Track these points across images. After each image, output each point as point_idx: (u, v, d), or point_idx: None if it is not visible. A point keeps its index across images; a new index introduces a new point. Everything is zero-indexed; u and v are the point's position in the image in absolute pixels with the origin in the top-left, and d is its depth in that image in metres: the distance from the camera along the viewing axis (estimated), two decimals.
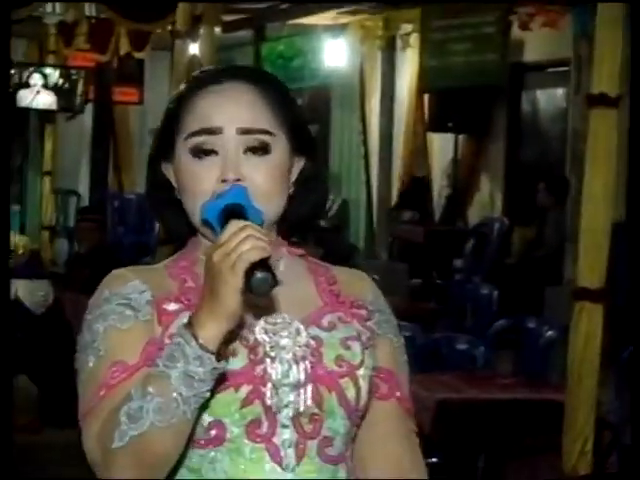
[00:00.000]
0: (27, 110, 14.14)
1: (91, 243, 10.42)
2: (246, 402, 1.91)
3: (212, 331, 1.76)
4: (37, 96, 13.64)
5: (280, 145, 1.98)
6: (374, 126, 13.17)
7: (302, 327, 1.98)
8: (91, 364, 1.92)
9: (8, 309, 1.62)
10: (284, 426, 1.93)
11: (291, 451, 1.93)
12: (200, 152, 1.95)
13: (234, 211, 1.82)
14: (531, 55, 11.53)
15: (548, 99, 11.65)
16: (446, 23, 11.38)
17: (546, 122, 11.57)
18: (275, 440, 1.93)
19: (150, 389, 1.79)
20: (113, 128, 15.13)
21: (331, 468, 1.96)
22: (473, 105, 12.05)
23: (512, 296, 8.90)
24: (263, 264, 1.75)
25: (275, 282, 1.78)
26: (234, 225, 1.77)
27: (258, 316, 1.98)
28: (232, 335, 1.88)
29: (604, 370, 6.39)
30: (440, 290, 10.23)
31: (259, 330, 1.96)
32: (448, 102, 12.15)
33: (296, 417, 1.94)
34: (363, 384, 1.99)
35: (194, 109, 1.98)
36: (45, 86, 13.60)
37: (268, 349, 1.95)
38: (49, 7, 11.82)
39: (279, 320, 1.99)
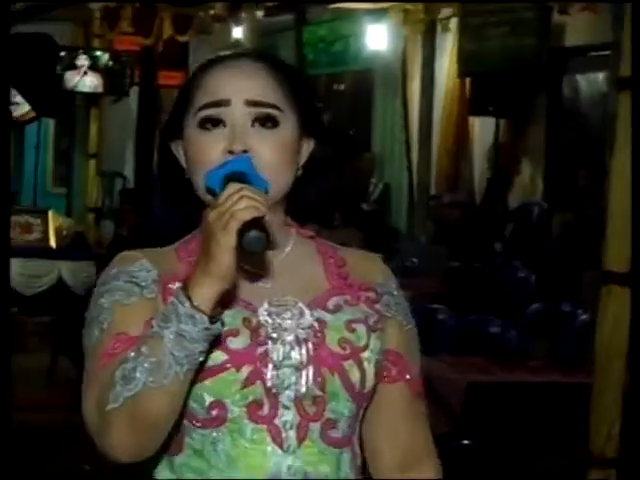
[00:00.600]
0: (73, 93, 14.17)
1: (132, 224, 10.50)
2: (247, 383, 1.90)
3: (205, 291, 1.76)
4: (84, 79, 13.69)
5: (289, 122, 1.98)
6: (414, 110, 13.12)
7: (306, 309, 1.97)
8: (95, 337, 1.93)
9: (7, 306, 1.61)
10: (285, 407, 1.93)
11: (292, 433, 1.93)
12: (208, 123, 1.95)
13: (237, 179, 1.81)
14: (573, 40, 11.47)
15: (589, 83, 11.58)
16: (485, 7, 11.36)
17: (587, 106, 11.51)
18: (276, 422, 1.92)
19: (143, 349, 1.79)
20: (158, 111, 15.17)
21: (335, 451, 1.96)
22: (514, 89, 12.02)
23: (550, 280, 8.89)
24: (257, 224, 1.75)
25: (268, 242, 1.79)
26: (231, 187, 1.77)
27: (263, 297, 1.97)
28: (228, 299, 1.88)
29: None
30: (479, 273, 10.19)
31: (263, 312, 1.96)
32: (489, 86, 12.14)
33: (298, 399, 1.93)
34: (368, 367, 1.98)
35: (204, 84, 1.98)
36: (94, 68, 13.65)
37: (270, 330, 1.94)
38: None
39: (283, 302, 1.98)
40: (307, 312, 1.97)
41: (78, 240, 13.21)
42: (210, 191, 1.87)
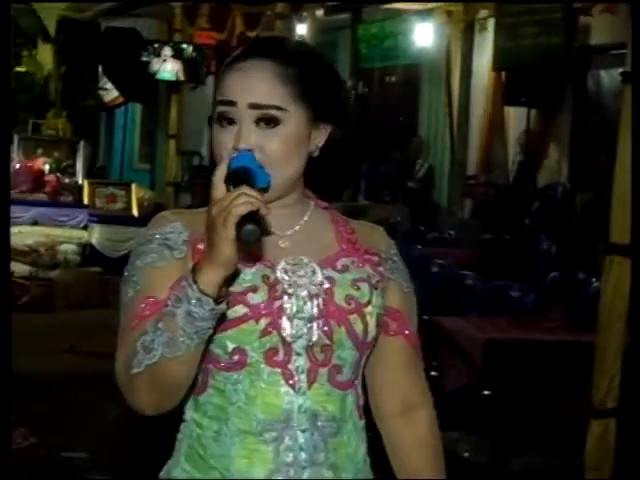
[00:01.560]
0: (157, 81, 14.23)
1: (203, 196, 10.55)
2: (265, 332, 1.93)
3: (210, 277, 1.77)
4: (167, 68, 13.76)
5: (293, 117, 1.97)
6: (455, 99, 13.09)
7: (318, 268, 2.01)
8: (129, 296, 1.96)
9: (7, 304, 1.60)
10: (298, 354, 1.96)
11: (304, 376, 1.96)
12: (223, 120, 1.97)
13: (242, 174, 1.82)
14: (596, 39, 11.45)
15: (610, 78, 11.49)
16: (517, 9, 11.34)
17: (608, 98, 11.41)
18: (290, 366, 1.95)
19: (160, 325, 1.82)
20: None
21: (340, 393, 1.99)
22: (544, 82, 11.97)
23: (570, 251, 8.86)
24: (253, 217, 1.75)
25: (262, 233, 1.78)
26: (220, 182, 1.80)
27: (281, 257, 2.00)
28: (233, 280, 1.90)
29: None
30: (508, 244, 10.17)
31: (280, 270, 1.98)
32: (521, 79, 12.09)
33: (309, 347, 1.96)
34: (370, 320, 2.00)
35: (222, 83, 2.00)
36: (177, 59, 13.71)
37: (286, 287, 1.97)
38: None
39: (298, 261, 2.01)
40: (319, 271, 2.01)
41: (158, 210, 13.15)
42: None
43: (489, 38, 12.29)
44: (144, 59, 13.71)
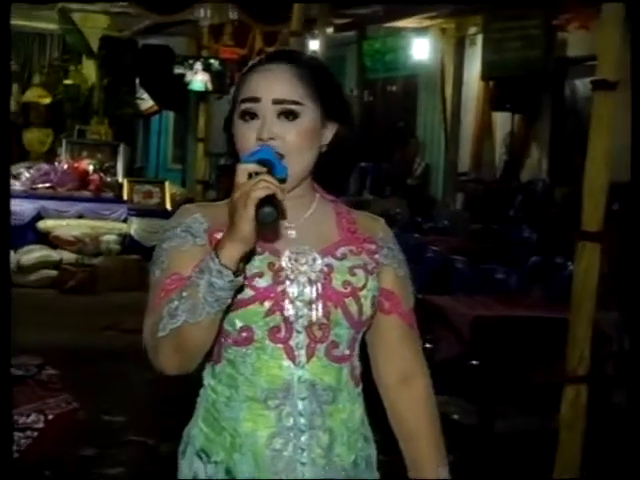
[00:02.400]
0: (187, 92, 14.22)
1: (226, 192, 10.57)
2: (269, 313, 1.96)
3: (230, 251, 1.79)
4: (198, 80, 13.75)
5: (309, 113, 2.00)
6: (449, 106, 13.07)
7: (319, 256, 2.02)
8: (157, 275, 1.99)
9: (7, 301, 1.60)
10: (298, 332, 1.98)
11: (303, 352, 1.98)
12: (246, 115, 1.99)
13: (263, 164, 1.83)
14: (572, 52, 11.41)
15: (585, 87, 11.42)
16: (503, 26, 11.32)
17: (582, 104, 11.36)
18: (291, 342, 1.98)
19: (184, 293, 1.84)
20: None
21: (336, 366, 2.01)
22: (526, 90, 12.00)
23: (549, 239, 8.84)
24: (271, 202, 1.76)
25: (278, 216, 1.79)
26: (243, 169, 1.81)
27: (287, 246, 2.02)
28: (251, 258, 1.93)
29: (612, 294, 6.34)
30: (494, 233, 10.16)
31: (284, 257, 2.00)
32: (507, 88, 12.10)
33: (308, 326, 1.98)
34: (365, 302, 2.01)
35: (246, 83, 2.03)
36: (206, 72, 13.69)
37: (289, 273, 1.98)
38: (202, 12, 11.83)
39: (301, 250, 2.02)
40: (319, 258, 2.02)
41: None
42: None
43: (478, 52, 12.25)
44: (179, 72, 13.73)
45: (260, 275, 1.96)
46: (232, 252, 1.79)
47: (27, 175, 12.82)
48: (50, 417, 3.26)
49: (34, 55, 15.11)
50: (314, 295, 1.98)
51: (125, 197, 12.93)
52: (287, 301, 1.97)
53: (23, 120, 14.69)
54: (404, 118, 15.12)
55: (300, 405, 1.98)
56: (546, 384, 5.49)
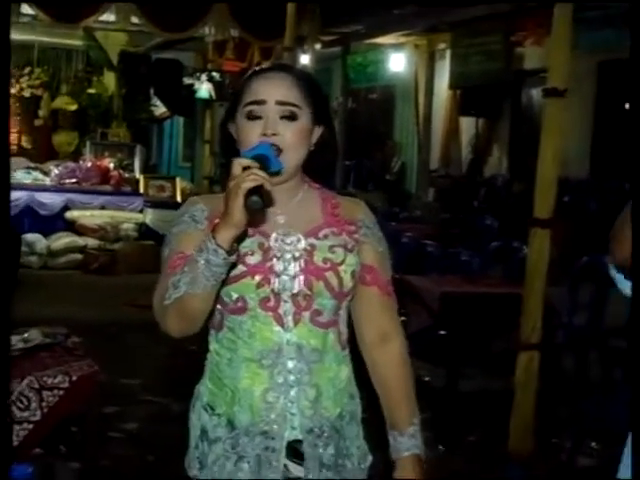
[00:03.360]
0: (195, 99, 14.20)
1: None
2: (259, 285, 1.98)
3: (224, 234, 1.81)
4: (204, 89, 13.73)
5: (304, 116, 2.02)
6: (421, 112, 13.07)
7: (302, 237, 2.04)
8: (166, 254, 2.02)
9: (7, 298, 1.60)
10: (285, 301, 2.00)
11: (290, 318, 2.01)
12: (251, 116, 2.00)
13: (259, 158, 1.83)
14: (528, 64, 11.45)
15: (539, 94, 11.37)
16: (468, 42, 11.31)
17: (537, 110, 11.40)
18: (279, 310, 2.00)
19: (186, 268, 1.87)
20: None
21: (321, 330, 2.03)
22: (488, 98, 12.02)
23: (508, 226, 8.85)
24: (258, 192, 1.77)
25: (265, 205, 1.81)
26: (237, 163, 1.81)
27: (275, 229, 2.04)
28: (244, 239, 1.95)
29: (561, 273, 6.35)
30: (461, 221, 10.16)
31: (273, 239, 2.03)
32: (471, 96, 12.12)
33: (294, 296, 2.00)
34: (344, 276, 2.03)
35: (250, 88, 2.03)
36: (211, 81, 13.70)
37: (276, 252, 2.01)
38: (207, 30, 11.78)
39: (287, 232, 2.04)
40: (303, 239, 2.03)
41: None
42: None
43: (446, 64, 12.25)
44: (189, 82, 13.72)
45: (251, 253, 1.98)
46: (226, 234, 1.80)
47: (56, 172, 12.78)
48: (74, 378, 3.27)
49: (62, 68, 15.04)
50: (297, 270, 2.00)
51: (141, 191, 12.89)
52: (274, 275, 1.98)
53: (52, 124, 14.64)
54: (383, 122, 15.13)
55: (289, 364, 2.00)
56: (504, 351, 5.50)
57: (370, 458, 2.16)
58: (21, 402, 3.20)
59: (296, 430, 2.01)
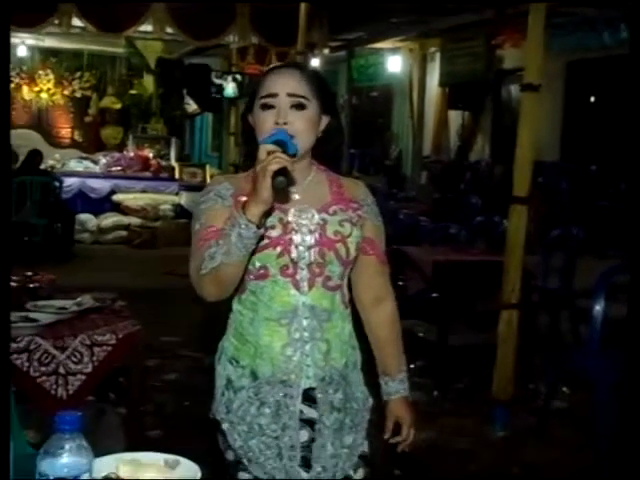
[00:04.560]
0: (222, 98, 14.12)
1: None
2: (279, 255, 1.97)
3: (253, 210, 1.78)
4: (230, 88, 13.66)
5: (312, 106, 2.00)
6: (415, 106, 12.98)
7: (316, 213, 2.02)
8: (196, 228, 1.98)
9: (7, 298, 1.57)
10: (301, 269, 1.99)
11: (305, 283, 2.00)
12: (265, 107, 1.97)
13: (278, 144, 1.81)
14: (507, 64, 11.34)
15: (517, 91, 11.39)
16: (455, 46, 11.26)
17: (515, 104, 11.32)
18: (297, 277, 1.99)
19: (220, 242, 1.85)
20: None
21: (330, 293, 2.03)
22: (473, 94, 11.92)
23: (490, 204, 8.80)
24: (283, 173, 1.75)
25: (288, 184, 1.80)
26: (263, 149, 1.79)
27: (293, 205, 2.02)
28: (270, 214, 1.91)
29: (536, 243, 6.31)
30: (450, 200, 10.12)
31: (291, 214, 2.01)
32: (458, 92, 12.04)
33: (309, 264, 1.99)
34: (350, 246, 2.02)
35: (264, 83, 2.00)
36: (235, 82, 13.62)
37: (294, 225, 1.99)
38: (231, 38, 11.68)
39: (303, 209, 2.02)
40: (316, 215, 2.02)
41: None
42: None
43: (437, 65, 12.19)
44: (218, 82, 13.65)
45: (273, 227, 1.96)
46: (255, 210, 1.78)
47: (104, 161, 12.77)
48: (120, 336, 3.25)
49: (107, 72, 14.98)
50: (312, 242, 1.98)
51: (176, 176, 12.87)
52: (293, 246, 1.97)
53: (100, 120, 14.60)
54: (382, 116, 15.05)
55: (304, 322, 1.99)
56: (488, 310, 5.48)
57: (371, 401, 2.16)
58: (75, 357, 3.19)
59: (310, 379, 2.01)
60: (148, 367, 5.44)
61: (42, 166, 10.84)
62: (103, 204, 11.87)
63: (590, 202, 9.42)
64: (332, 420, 2.04)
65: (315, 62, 11.00)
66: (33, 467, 1.41)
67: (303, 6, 9.12)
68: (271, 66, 2.13)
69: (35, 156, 10.53)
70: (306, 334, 2.00)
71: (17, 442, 1.58)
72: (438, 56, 12.07)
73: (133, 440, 3.31)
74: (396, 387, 2.16)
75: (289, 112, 1.96)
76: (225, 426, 2.06)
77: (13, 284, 3.56)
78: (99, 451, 1.50)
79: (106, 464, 1.54)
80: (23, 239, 9.67)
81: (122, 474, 1.52)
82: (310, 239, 1.99)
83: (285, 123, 1.93)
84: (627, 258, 4.64)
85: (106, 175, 12.34)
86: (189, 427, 4.48)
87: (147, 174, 12.63)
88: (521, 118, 4.86)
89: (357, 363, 2.13)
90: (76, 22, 10.10)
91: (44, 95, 14.45)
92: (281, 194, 1.85)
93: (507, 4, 9.08)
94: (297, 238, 1.98)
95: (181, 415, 4.77)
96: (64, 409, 1.45)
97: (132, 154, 13.08)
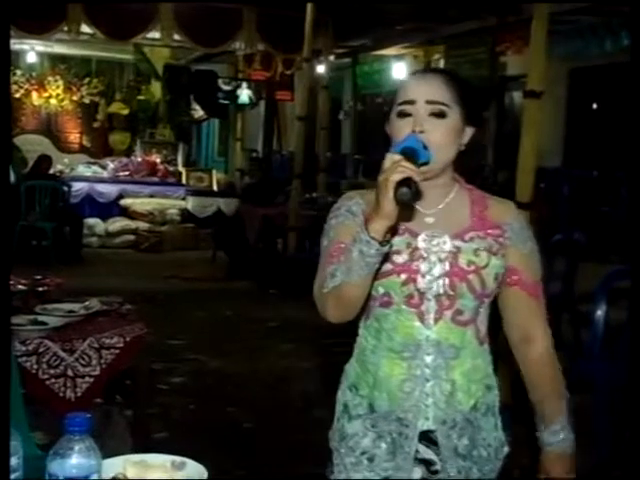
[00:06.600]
0: (228, 104, 14.14)
1: (256, 178, 10.52)
2: (404, 283, 1.82)
3: (376, 226, 1.64)
4: (243, 95, 13.68)
5: (454, 115, 1.82)
6: None
7: (449, 239, 1.84)
8: (325, 244, 1.86)
9: (7, 297, 1.57)
10: (428, 300, 1.82)
11: (431, 316, 1.83)
12: (402, 115, 1.83)
13: (409, 151, 1.66)
14: (511, 71, 11.34)
15: (520, 97, 11.38)
16: (458, 53, 11.24)
17: (519, 110, 11.32)
18: (422, 308, 1.82)
19: (342, 259, 1.72)
20: (277, 114, 15.10)
21: (461, 328, 1.84)
22: (477, 100, 11.90)
23: None
24: (408, 184, 1.59)
25: (414, 197, 1.62)
26: (389, 158, 1.63)
27: (424, 229, 1.85)
28: (396, 232, 1.77)
29: (538, 248, 6.30)
30: None
31: (420, 239, 1.84)
32: None
33: (437, 296, 1.81)
34: (487, 278, 1.82)
35: (403, 89, 1.86)
36: (249, 89, 13.69)
37: (422, 252, 1.83)
38: (238, 45, 11.71)
39: (435, 233, 1.84)
40: (449, 241, 1.83)
41: (229, 186, 13.26)
42: None
43: None
44: (228, 89, 13.69)
45: (398, 252, 1.81)
46: (377, 226, 1.63)
47: (112, 166, 12.81)
48: (128, 339, 3.27)
49: (116, 78, 15.04)
50: (442, 271, 1.80)
51: (183, 181, 12.90)
52: (419, 275, 1.80)
53: (109, 126, 14.65)
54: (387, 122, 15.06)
55: (427, 359, 1.83)
56: (490, 314, 5.45)
57: (506, 449, 1.96)
58: (83, 359, 3.21)
59: (429, 421, 1.85)
60: (154, 370, 5.45)
61: (51, 171, 10.88)
62: (111, 208, 11.91)
63: (592, 207, 9.41)
64: (456, 468, 1.86)
65: (320, 69, 11.02)
66: (42, 468, 1.43)
67: (309, 13, 9.14)
68: (413, 71, 1.96)
69: (44, 161, 10.58)
70: (428, 371, 1.83)
71: (26, 444, 1.59)
72: (442, 63, 12.06)
73: (140, 442, 3.32)
74: (548, 439, 1.91)
75: (427, 120, 1.79)
76: (335, 455, 1.93)
77: (22, 287, 3.58)
78: (106, 452, 1.51)
79: (114, 465, 1.55)
80: (32, 243, 9.71)
81: (130, 475, 1.54)
82: (439, 268, 1.81)
83: (422, 132, 1.77)
84: (629, 263, 4.64)
85: (114, 180, 12.38)
86: (195, 429, 4.49)
87: (154, 179, 12.67)
88: (524, 124, 4.87)
89: (492, 406, 1.91)
90: (85, 29, 10.15)
91: (53, 101, 14.50)
92: (406, 208, 1.68)
93: (510, 11, 9.10)
94: (424, 266, 1.81)
95: (186, 417, 4.77)
96: (72, 411, 1.46)
97: (140, 159, 13.12)
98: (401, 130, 1.79)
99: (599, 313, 4.27)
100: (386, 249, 1.66)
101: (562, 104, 10.68)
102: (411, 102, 1.80)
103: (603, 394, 4.03)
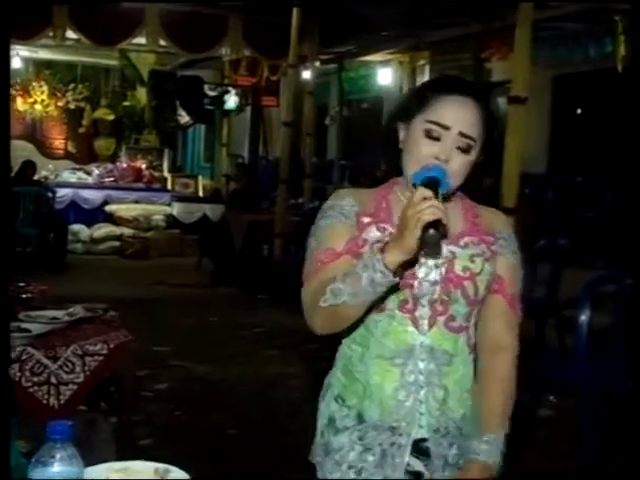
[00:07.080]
0: (214, 109, 14.13)
1: (242, 183, 10.49)
2: (400, 288, 1.77)
3: (393, 257, 1.60)
4: (230, 101, 13.70)
5: (476, 150, 1.79)
6: None
7: (444, 244, 1.78)
8: (312, 246, 1.80)
9: (7, 298, 1.55)
10: (422, 306, 1.79)
11: (425, 322, 1.80)
12: (430, 136, 1.75)
13: (432, 182, 1.63)
14: (495, 77, 11.36)
15: (504, 102, 11.41)
16: (443, 59, 11.29)
17: (503, 115, 11.30)
18: (416, 314, 1.79)
19: (348, 280, 1.66)
20: (262, 120, 15.09)
21: (453, 335, 1.81)
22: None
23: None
24: (436, 225, 1.56)
25: (441, 239, 1.60)
26: (422, 193, 1.58)
27: None
28: (411, 266, 1.73)
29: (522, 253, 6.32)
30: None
31: None
32: None
33: (432, 301, 1.79)
34: (480, 285, 1.81)
35: (437, 106, 1.76)
36: (237, 95, 13.69)
37: (419, 257, 1.75)
38: (224, 51, 11.71)
39: None
40: (445, 246, 1.79)
41: (215, 192, 13.24)
42: (414, 185, 1.67)
43: (426, 78, 12.19)
44: (214, 94, 13.69)
45: None
46: (395, 258, 1.59)
47: (97, 172, 12.76)
48: (112, 346, 3.25)
49: (101, 84, 14.99)
50: (438, 277, 1.78)
51: (169, 187, 12.88)
52: (416, 281, 1.77)
53: (94, 132, 14.61)
54: (372, 126, 15.06)
55: (420, 365, 1.80)
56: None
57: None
58: (67, 366, 3.19)
59: (423, 429, 1.81)
60: (139, 377, 5.45)
61: (35, 177, 10.83)
62: (96, 215, 11.87)
63: (576, 213, 9.46)
64: (444, 478, 1.83)
65: (306, 75, 11.03)
66: (25, 476, 1.42)
67: (295, 19, 9.16)
68: (445, 79, 1.86)
69: (28, 167, 10.54)
70: (422, 378, 1.80)
71: (10, 452, 1.59)
72: (427, 69, 12.12)
73: (124, 449, 3.31)
74: (476, 447, 1.83)
75: (454, 152, 1.75)
76: (318, 471, 1.88)
77: None
78: (90, 460, 1.51)
79: (97, 473, 1.54)
80: (16, 249, 9.66)
81: None
82: (435, 274, 1.78)
83: (446, 161, 1.73)
84: (613, 267, 4.65)
85: (99, 186, 12.34)
86: (180, 436, 4.48)
87: (140, 185, 12.63)
88: (509, 130, 4.91)
89: (477, 416, 1.87)
90: (70, 34, 10.13)
91: (38, 106, 14.45)
92: (429, 248, 1.63)
93: (495, 18, 9.14)
94: (421, 272, 1.77)
95: (171, 424, 4.76)
96: (56, 418, 1.46)
97: (125, 165, 13.08)
98: (424, 150, 1.75)
99: (583, 318, 4.29)
100: (397, 280, 1.63)
101: (546, 110, 10.74)
102: (445, 127, 1.75)
103: (588, 398, 4.04)
